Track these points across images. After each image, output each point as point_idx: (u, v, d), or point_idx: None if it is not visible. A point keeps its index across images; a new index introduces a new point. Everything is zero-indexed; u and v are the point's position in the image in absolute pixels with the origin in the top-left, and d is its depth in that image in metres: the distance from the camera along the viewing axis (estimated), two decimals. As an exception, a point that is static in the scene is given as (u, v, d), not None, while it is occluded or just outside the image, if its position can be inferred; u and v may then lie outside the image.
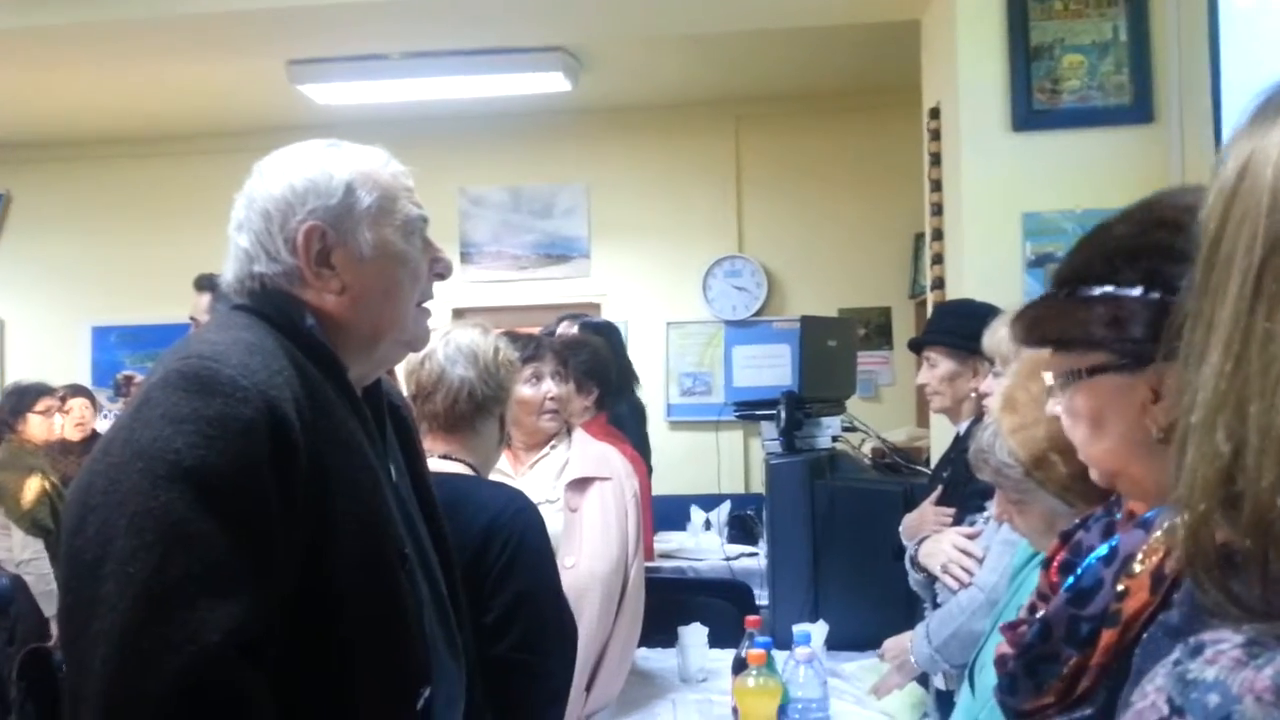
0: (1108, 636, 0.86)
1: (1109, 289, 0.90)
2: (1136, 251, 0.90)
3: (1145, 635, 0.83)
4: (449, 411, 1.77)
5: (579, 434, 2.48)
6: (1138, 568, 0.85)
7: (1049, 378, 0.99)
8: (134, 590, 1.00)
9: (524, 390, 2.30)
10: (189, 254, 3.99)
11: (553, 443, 2.41)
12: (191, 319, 2.82)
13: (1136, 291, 0.88)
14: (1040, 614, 0.94)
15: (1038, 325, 0.98)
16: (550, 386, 2.36)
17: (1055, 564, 1.02)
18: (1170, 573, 0.82)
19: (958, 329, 2.45)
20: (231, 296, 1.25)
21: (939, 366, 2.45)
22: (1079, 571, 0.91)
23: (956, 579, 2.04)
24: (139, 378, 4.25)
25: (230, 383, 1.07)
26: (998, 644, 1.02)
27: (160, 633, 0.99)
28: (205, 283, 2.74)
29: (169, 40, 4.04)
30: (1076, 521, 1.07)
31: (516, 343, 2.41)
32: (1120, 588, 0.86)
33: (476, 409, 1.78)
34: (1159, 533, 0.85)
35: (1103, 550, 0.91)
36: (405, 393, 1.76)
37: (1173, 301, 0.84)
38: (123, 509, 1.02)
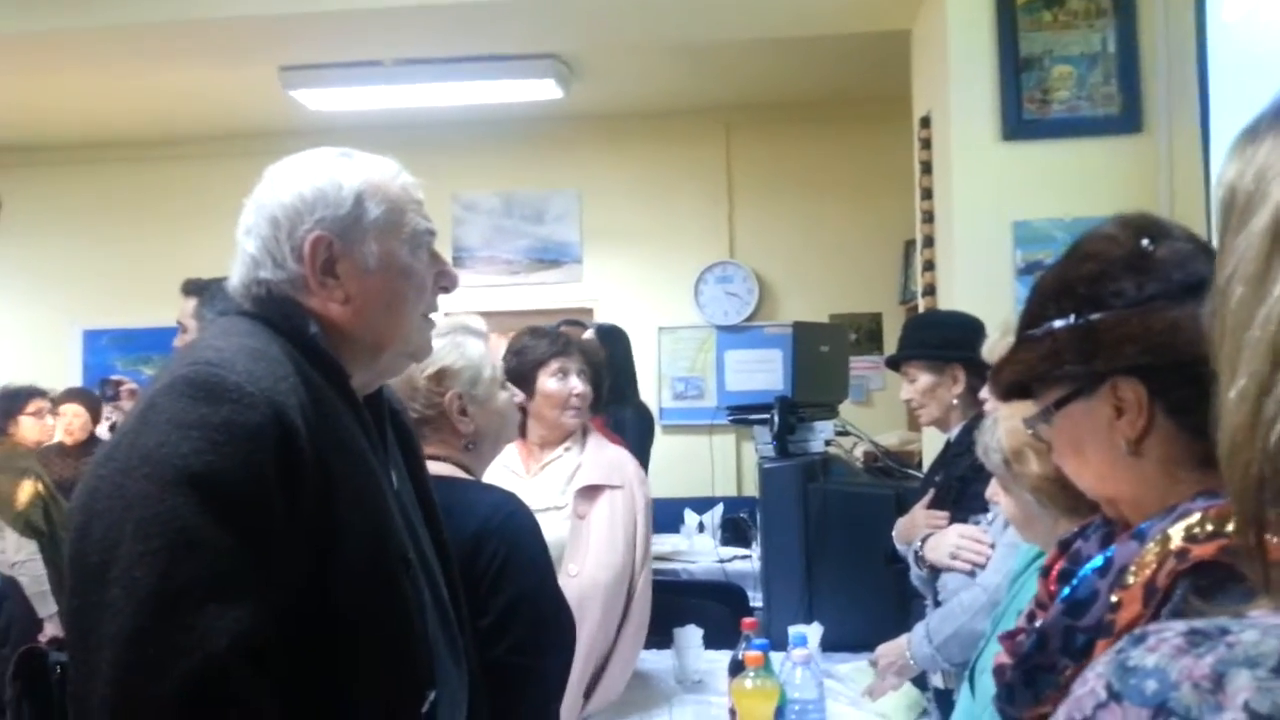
0: (1101, 647, 0.86)
1: (1045, 326, 0.98)
2: (1063, 287, 0.98)
3: None
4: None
5: (594, 438, 2.44)
6: (1131, 579, 0.86)
7: (1026, 425, 1.05)
8: (140, 595, 1.00)
9: (550, 384, 2.30)
10: (181, 257, 3.99)
11: (566, 444, 2.38)
12: (178, 323, 2.80)
13: (1069, 320, 0.96)
14: (1038, 623, 0.95)
15: (1000, 377, 1.05)
16: (576, 383, 2.35)
17: (1054, 572, 1.03)
18: (1162, 585, 0.83)
19: (929, 340, 2.49)
20: (237, 301, 1.26)
21: (918, 380, 2.47)
22: (1074, 582, 0.92)
23: (970, 562, 2.06)
24: (128, 383, 4.24)
25: (237, 389, 1.08)
26: (996, 653, 1.03)
27: (167, 638, 0.99)
28: (192, 287, 2.72)
29: (161, 45, 4.04)
30: (1075, 530, 1.08)
31: (544, 339, 2.41)
32: (1114, 599, 0.86)
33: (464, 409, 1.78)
34: (1152, 544, 0.86)
35: (1098, 561, 0.91)
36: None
37: (1101, 319, 0.93)
38: (128, 514, 1.02)
